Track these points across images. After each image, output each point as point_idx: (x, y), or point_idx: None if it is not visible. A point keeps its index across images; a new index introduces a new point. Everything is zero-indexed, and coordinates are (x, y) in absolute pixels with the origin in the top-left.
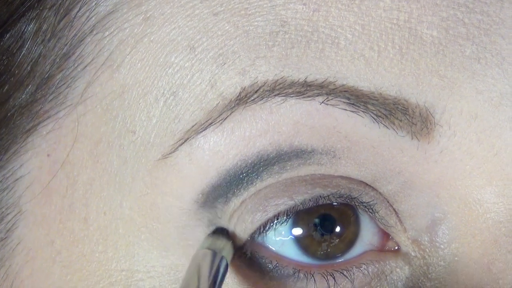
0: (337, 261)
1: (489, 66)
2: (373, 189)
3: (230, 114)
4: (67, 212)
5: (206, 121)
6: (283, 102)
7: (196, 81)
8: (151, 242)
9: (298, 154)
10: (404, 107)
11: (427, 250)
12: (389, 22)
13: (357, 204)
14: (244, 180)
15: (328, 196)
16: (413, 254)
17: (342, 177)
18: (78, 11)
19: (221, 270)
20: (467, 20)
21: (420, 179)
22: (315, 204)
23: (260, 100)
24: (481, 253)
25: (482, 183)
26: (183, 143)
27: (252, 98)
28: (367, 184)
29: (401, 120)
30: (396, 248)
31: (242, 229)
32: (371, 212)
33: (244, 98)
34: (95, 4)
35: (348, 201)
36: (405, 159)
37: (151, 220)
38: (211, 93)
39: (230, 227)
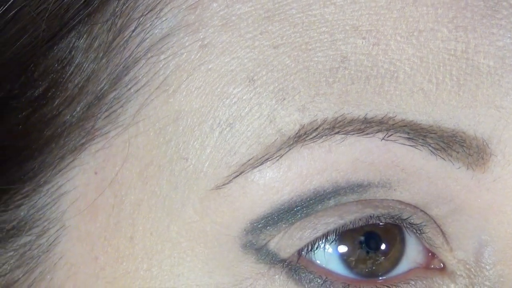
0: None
1: None
2: (422, 211)
3: (288, 151)
4: (113, 230)
5: (263, 156)
6: (342, 141)
7: (254, 115)
8: (196, 264)
9: (354, 189)
10: (461, 139)
11: (473, 270)
12: (447, 53)
13: (405, 225)
14: (298, 213)
15: (378, 216)
16: (458, 273)
17: (393, 200)
18: (132, 32)
19: None
20: None
21: (470, 205)
22: (365, 224)
23: (319, 138)
24: None
25: None
26: (238, 175)
27: (311, 136)
28: (416, 207)
29: (458, 152)
30: (442, 266)
31: (289, 245)
32: (418, 233)
33: (303, 136)
34: (150, 25)
35: (398, 222)
36: (458, 187)
37: (198, 244)
38: (269, 128)
39: (273, 242)
